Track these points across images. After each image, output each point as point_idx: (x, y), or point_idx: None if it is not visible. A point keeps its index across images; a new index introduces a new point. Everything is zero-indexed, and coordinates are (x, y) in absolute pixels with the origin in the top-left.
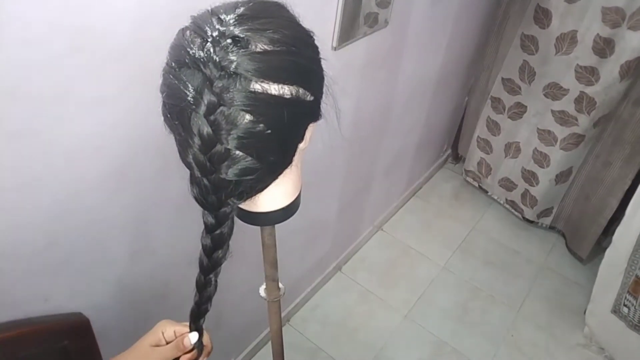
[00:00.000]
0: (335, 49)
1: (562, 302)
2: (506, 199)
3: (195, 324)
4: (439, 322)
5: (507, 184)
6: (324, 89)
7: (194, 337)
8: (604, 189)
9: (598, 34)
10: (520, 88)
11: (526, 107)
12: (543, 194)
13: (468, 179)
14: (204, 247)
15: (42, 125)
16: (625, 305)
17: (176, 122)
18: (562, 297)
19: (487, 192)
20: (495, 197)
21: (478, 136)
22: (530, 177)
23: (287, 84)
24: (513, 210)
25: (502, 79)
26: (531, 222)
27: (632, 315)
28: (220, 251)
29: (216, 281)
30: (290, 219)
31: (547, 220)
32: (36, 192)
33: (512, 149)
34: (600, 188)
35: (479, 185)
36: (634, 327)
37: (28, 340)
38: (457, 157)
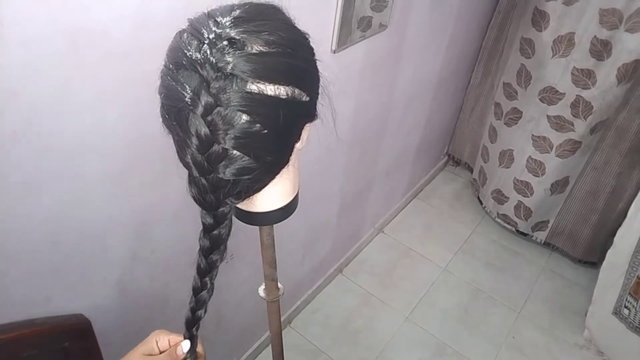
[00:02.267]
0: (334, 52)
1: (563, 304)
2: (497, 213)
3: (189, 332)
4: (440, 324)
5: (499, 197)
6: (320, 90)
7: (186, 345)
8: (613, 197)
9: (595, 36)
10: (517, 93)
11: (522, 112)
12: (538, 205)
13: (473, 188)
14: (201, 248)
15: (42, 125)
16: (626, 307)
17: (174, 123)
18: (563, 298)
19: (481, 203)
20: (488, 211)
21: (483, 144)
22: (523, 188)
23: (282, 85)
24: (506, 225)
25: (504, 83)
26: (525, 235)
27: (632, 317)
28: (217, 252)
29: (212, 284)
30: (291, 220)
31: (542, 235)
32: (37, 192)
33: (505, 157)
34: (605, 197)
35: (477, 196)
36: (634, 329)
37: (29, 341)
38: (457, 160)
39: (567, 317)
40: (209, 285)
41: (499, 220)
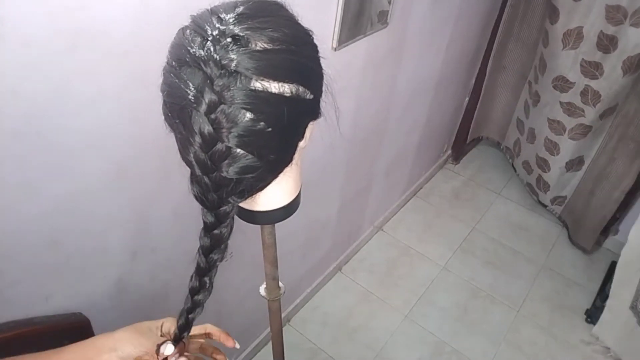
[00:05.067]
0: (335, 49)
1: (563, 302)
2: (526, 182)
3: (181, 336)
4: (439, 322)
5: (527, 167)
6: (324, 88)
7: (169, 349)
8: (609, 184)
9: (602, 31)
10: (537, 78)
11: (540, 96)
12: (555, 180)
13: (506, 155)
14: (202, 247)
15: (42, 124)
16: None
17: (177, 121)
18: (563, 297)
19: (515, 170)
20: (520, 178)
21: (517, 117)
22: (542, 164)
23: (287, 82)
24: (531, 193)
25: (535, 66)
26: (545, 206)
27: None
28: (217, 251)
29: (211, 284)
30: (291, 219)
31: (559, 209)
32: (36, 191)
33: (531, 134)
34: (605, 183)
35: (512, 163)
36: None
37: (28, 340)
38: (457, 158)
39: (566, 316)
40: (207, 284)
41: (527, 188)
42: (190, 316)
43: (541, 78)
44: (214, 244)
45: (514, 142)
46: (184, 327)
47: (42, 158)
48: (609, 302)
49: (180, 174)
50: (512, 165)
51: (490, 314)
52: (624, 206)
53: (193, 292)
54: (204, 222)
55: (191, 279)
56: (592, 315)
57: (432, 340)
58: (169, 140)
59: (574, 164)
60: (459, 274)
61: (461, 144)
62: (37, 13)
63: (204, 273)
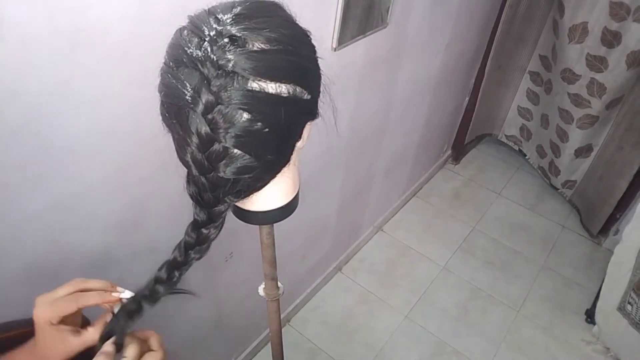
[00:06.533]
0: (335, 49)
1: (563, 302)
2: (538, 165)
3: (132, 318)
4: (439, 323)
5: (541, 151)
6: (321, 88)
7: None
8: (615, 172)
9: (606, 27)
10: (551, 67)
11: (552, 85)
12: (566, 166)
13: (509, 142)
14: (185, 242)
15: (42, 124)
16: (629, 302)
17: (174, 121)
18: (563, 297)
19: (525, 155)
20: (531, 162)
21: (518, 105)
22: (555, 149)
23: (284, 83)
24: (543, 177)
25: (540, 55)
26: (557, 189)
27: (634, 313)
28: (198, 250)
29: (179, 279)
30: (290, 218)
31: (569, 193)
32: (36, 191)
33: (544, 120)
34: (612, 170)
35: (519, 148)
36: (635, 325)
37: (28, 340)
38: (457, 158)
39: (566, 316)
40: (175, 278)
41: (539, 171)
42: (142, 303)
43: (554, 66)
44: (198, 243)
45: (519, 128)
46: (136, 313)
47: (41, 158)
48: (598, 304)
49: (178, 174)
50: (520, 150)
51: (490, 314)
52: (625, 205)
53: (158, 280)
54: (195, 219)
55: (160, 268)
56: (592, 315)
57: (432, 340)
58: (169, 140)
59: (583, 151)
60: (459, 274)
61: (461, 144)
62: (37, 13)
63: (177, 267)
